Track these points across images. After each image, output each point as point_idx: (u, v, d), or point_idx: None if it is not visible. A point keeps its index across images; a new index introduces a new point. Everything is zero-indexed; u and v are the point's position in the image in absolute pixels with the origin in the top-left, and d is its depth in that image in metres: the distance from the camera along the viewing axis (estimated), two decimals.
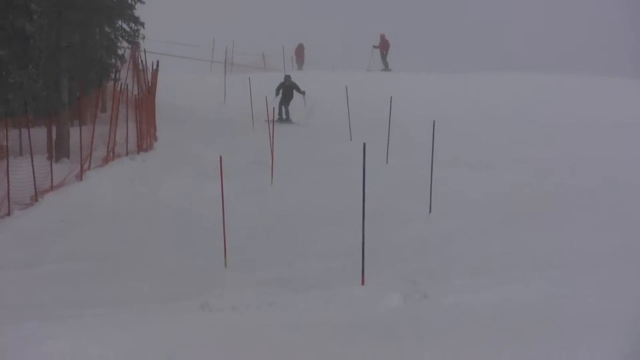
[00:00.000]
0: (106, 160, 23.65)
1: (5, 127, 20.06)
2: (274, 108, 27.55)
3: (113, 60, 28.09)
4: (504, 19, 74.10)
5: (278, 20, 72.53)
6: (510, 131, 26.42)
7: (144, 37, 29.04)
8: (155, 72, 29.64)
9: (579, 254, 12.80)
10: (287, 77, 33.11)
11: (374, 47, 43.71)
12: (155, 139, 27.42)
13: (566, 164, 21.19)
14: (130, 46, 30.70)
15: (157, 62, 30.03)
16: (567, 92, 33.86)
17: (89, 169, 22.57)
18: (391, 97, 25.17)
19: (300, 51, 47.64)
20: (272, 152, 23.05)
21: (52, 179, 20.84)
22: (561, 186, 19.04)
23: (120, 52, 29.38)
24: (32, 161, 19.96)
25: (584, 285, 10.67)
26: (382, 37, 43.37)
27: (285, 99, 32.13)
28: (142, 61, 31.70)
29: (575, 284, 10.80)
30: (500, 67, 41.96)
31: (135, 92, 28.67)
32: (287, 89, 32.23)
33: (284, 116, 31.64)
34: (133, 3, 28.52)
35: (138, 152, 25.44)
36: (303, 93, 32.02)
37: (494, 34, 71.50)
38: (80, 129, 22.69)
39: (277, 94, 32.05)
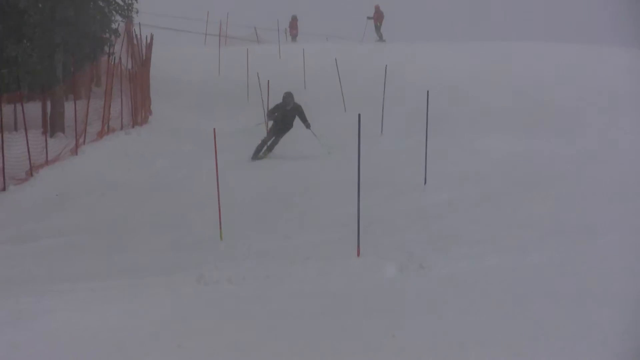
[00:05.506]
0: (101, 134, 23.60)
1: None
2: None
3: (107, 35, 27.93)
4: None
5: None
6: (509, 100, 26.24)
7: (137, 11, 28.88)
8: (149, 46, 29.53)
9: (578, 223, 12.76)
10: (289, 97, 22.34)
11: (368, 18, 43.52)
12: (150, 112, 27.35)
13: (565, 133, 21.15)
14: (124, 20, 30.52)
15: (152, 35, 29.92)
16: (569, 60, 33.55)
17: (84, 143, 22.53)
18: (386, 66, 25.05)
19: (293, 23, 47.41)
20: (266, 124, 22.96)
21: (47, 154, 20.80)
22: (559, 155, 19.01)
23: (114, 26, 29.23)
24: (27, 136, 19.93)
25: (584, 254, 10.68)
26: (377, 8, 43.15)
27: (281, 129, 22.36)
28: (136, 35, 31.56)
29: (574, 252, 10.81)
30: (498, 36, 41.78)
31: (130, 66, 28.55)
32: (288, 115, 22.32)
33: (261, 153, 22.02)
34: None
35: (133, 126, 25.38)
36: (309, 126, 22.31)
37: (492, 3, 71.31)
38: (75, 104, 22.61)
39: (270, 118, 22.51)
